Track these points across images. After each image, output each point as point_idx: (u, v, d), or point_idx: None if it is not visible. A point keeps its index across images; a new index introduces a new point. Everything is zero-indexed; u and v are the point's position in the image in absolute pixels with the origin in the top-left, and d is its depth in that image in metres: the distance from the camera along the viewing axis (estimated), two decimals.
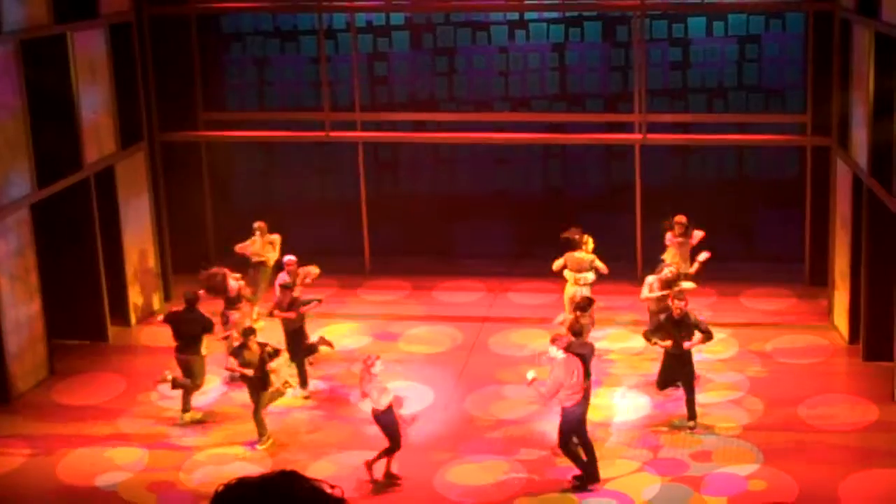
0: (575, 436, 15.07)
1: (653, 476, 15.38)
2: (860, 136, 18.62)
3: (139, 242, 21.23)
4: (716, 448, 16.04)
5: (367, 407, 15.57)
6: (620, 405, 17.33)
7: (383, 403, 15.06)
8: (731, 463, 15.64)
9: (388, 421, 15.13)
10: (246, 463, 15.76)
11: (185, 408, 17.13)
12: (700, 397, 16.93)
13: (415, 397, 17.66)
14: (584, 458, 15.06)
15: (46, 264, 18.73)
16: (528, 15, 23.51)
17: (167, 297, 21.83)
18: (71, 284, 19.57)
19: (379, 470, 15.33)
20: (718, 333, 19.49)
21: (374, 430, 15.97)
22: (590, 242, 18.72)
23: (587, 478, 15.07)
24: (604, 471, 15.37)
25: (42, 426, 17.16)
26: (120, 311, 20.48)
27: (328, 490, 2.98)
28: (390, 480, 15.31)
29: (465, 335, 20.11)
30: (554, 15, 23.54)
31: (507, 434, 16.58)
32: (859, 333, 18.83)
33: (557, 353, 14.91)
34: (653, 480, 15.28)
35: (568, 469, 15.18)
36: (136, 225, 21.15)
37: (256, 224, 20.11)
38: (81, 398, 18.10)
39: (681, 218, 19.44)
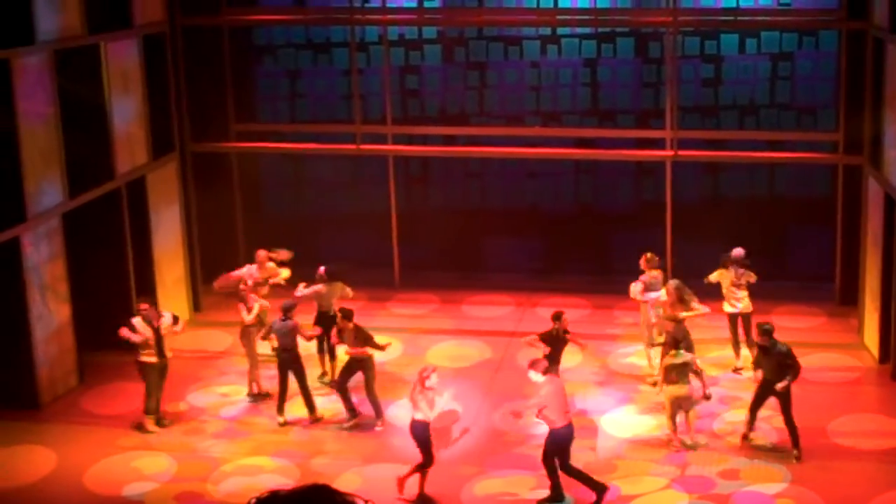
0: (558, 458, 15.03)
1: (680, 493, 15.31)
2: (892, 155, 18.54)
3: (170, 252, 21.31)
4: (744, 466, 15.96)
5: (409, 416, 15.51)
6: (646, 422, 17.28)
7: (431, 416, 15.07)
8: (759, 481, 15.56)
9: (423, 435, 15.10)
10: (273, 475, 15.78)
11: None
12: (729, 415, 16.86)
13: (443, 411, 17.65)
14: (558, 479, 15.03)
15: (77, 273, 18.83)
16: (561, 30, 23.49)
17: (196, 307, 21.92)
18: (101, 293, 19.65)
19: (412, 486, 15.26)
20: (747, 351, 19.45)
21: (401, 443, 15.96)
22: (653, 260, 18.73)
23: (558, 498, 15.02)
24: (631, 487, 15.35)
25: (70, 434, 17.23)
26: None
27: None
28: (423, 501, 15.24)
29: (493, 350, 20.10)
30: (586, 31, 23.51)
31: (534, 449, 16.52)
32: (889, 353, 18.72)
33: (537, 378, 14.98)
34: (680, 498, 15.21)
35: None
36: (167, 235, 21.23)
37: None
38: (110, 407, 18.16)
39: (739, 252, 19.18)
